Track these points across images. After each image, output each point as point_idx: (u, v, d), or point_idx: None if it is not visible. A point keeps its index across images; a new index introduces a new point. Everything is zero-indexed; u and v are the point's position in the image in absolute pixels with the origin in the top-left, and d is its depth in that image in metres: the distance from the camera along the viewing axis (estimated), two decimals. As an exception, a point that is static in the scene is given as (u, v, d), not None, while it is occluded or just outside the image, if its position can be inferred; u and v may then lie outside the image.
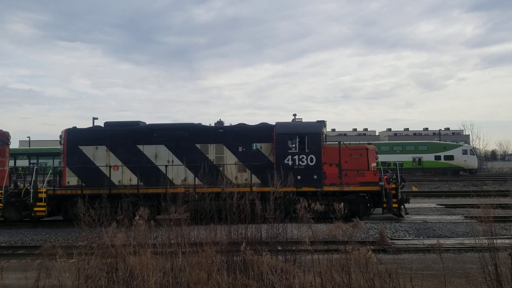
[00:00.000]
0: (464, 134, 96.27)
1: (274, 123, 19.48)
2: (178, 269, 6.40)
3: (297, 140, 18.75)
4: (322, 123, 19.46)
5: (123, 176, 19.06)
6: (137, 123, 20.08)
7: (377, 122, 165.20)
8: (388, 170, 19.81)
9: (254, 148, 19.17)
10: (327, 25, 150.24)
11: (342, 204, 7.41)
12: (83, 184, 18.73)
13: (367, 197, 18.80)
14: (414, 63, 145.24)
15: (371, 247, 12.04)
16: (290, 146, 18.85)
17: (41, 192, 18.42)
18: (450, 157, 57.83)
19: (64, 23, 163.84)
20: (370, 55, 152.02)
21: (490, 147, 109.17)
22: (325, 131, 19.89)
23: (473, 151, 60.68)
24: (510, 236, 13.38)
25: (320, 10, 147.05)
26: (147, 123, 20.40)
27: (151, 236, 8.59)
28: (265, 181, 18.27)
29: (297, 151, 18.70)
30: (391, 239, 15.20)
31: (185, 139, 19.27)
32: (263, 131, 19.28)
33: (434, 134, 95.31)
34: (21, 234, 16.90)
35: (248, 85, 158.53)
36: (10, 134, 20.26)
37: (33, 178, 18.63)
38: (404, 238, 15.52)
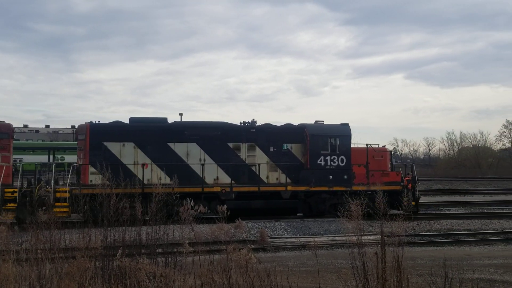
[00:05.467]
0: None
1: (297, 124, 20.40)
2: (46, 280, 5.82)
3: (329, 141, 19.54)
4: (348, 126, 20.45)
5: (152, 175, 18.08)
6: (165, 120, 19.40)
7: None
8: (409, 172, 21.13)
9: (285, 148, 19.71)
10: (213, 26, 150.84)
11: (225, 206, 7.42)
12: (107, 182, 16.63)
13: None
14: (294, 70, 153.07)
15: (252, 246, 12.32)
16: (322, 147, 19.51)
17: (64, 192, 16.50)
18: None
19: None
20: (254, 59, 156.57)
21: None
22: None
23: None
24: (375, 233, 14.66)
25: (206, 11, 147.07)
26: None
27: (15, 242, 7.75)
28: (296, 181, 19.21)
29: (329, 152, 19.47)
30: (271, 237, 15.72)
31: (217, 137, 19.14)
32: (294, 132, 20.00)
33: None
34: None
35: (130, 81, 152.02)
36: (14, 127, 18.21)
37: (53, 175, 17.33)
38: (282, 237, 16.16)
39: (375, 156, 20.41)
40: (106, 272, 6.40)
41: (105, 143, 18.25)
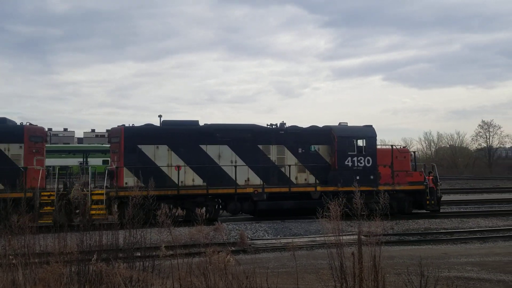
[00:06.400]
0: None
1: (322, 126, 20.92)
2: (19, 286, 5.67)
3: (356, 143, 20.10)
4: (372, 128, 20.99)
5: (186, 176, 18.66)
6: (197, 123, 19.73)
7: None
8: (431, 171, 21.66)
9: (313, 149, 20.26)
10: (193, 28, 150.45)
11: (204, 208, 7.37)
12: (143, 185, 16.59)
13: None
14: (275, 71, 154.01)
15: (232, 248, 12.29)
16: (349, 148, 20.09)
17: (100, 194, 16.65)
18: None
19: None
20: (234, 60, 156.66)
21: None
22: None
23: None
24: (354, 233, 14.78)
25: (185, 12, 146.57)
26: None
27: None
28: (323, 181, 19.77)
29: (356, 153, 20.03)
30: (251, 239, 15.70)
31: (248, 140, 19.55)
32: (321, 134, 20.51)
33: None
34: None
35: (109, 82, 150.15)
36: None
37: (89, 179, 17.80)
38: (263, 238, 16.16)
39: (398, 156, 20.92)
40: (82, 277, 6.28)
41: (139, 146, 18.50)
